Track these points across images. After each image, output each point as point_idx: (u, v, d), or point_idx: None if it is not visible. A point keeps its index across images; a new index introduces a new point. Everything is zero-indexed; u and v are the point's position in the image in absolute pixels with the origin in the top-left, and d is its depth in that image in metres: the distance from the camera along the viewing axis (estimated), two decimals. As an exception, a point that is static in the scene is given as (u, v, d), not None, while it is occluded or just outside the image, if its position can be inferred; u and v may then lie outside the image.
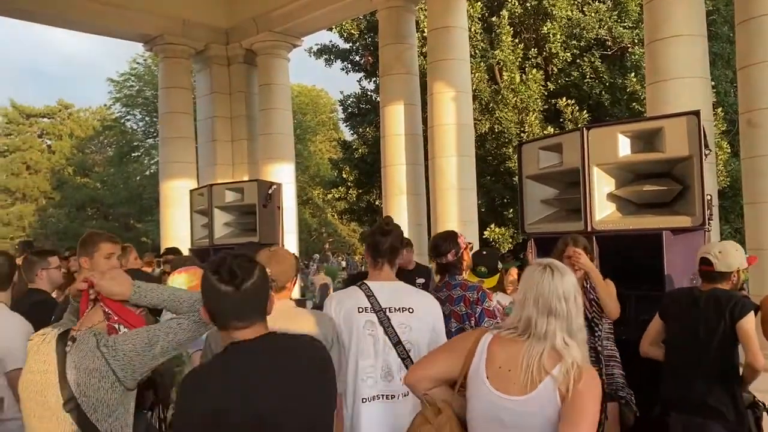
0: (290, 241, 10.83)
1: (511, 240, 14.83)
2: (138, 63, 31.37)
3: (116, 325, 2.06)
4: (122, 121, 33.54)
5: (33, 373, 2.00)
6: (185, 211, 8.40)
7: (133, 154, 33.26)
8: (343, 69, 19.58)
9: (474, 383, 1.95)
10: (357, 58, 19.22)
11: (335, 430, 2.47)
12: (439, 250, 3.54)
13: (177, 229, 11.49)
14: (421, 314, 2.68)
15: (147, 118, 31.97)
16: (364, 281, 2.78)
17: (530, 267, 2.04)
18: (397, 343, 2.62)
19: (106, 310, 2.06)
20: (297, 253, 12.36)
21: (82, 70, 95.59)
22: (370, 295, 2.69)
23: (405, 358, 2.62)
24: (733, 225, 13.83)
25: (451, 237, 3.71)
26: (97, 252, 3.21)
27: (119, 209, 31.46)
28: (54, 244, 28.42)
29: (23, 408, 2.04)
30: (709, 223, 4.05)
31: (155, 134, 29.22)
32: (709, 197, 4.05)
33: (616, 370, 3.72)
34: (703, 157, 3.95)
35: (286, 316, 2.42)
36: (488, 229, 14.61)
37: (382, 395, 2.62)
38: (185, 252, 7.29)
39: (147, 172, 32.07)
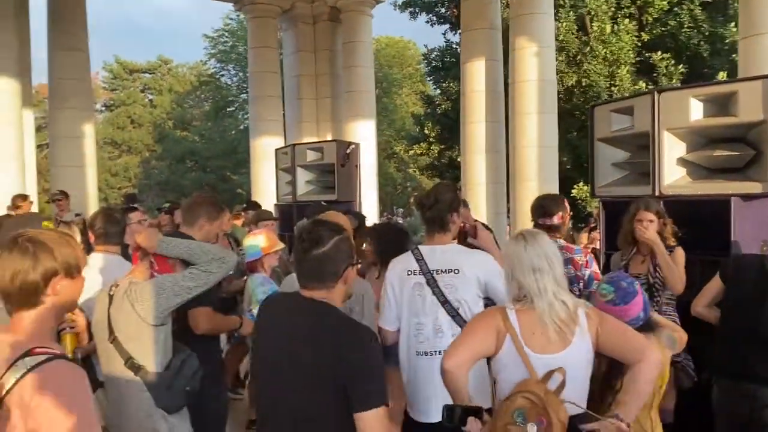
0: (370, 197, 11.14)
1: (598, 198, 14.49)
2: (231, 19, 32.24)
3: (155, 274, 2.61)
4: (217, 76, 34.77)
5: (97, 313, 2.58)
6: (273, 167, 8.85)
7: (228, 109, 34.52)
8: (428, 21, 19.40)
9: (510, 354, 2.15)
10: (442, 11, 18.96)
11: (388, 379, 2.77)
12: (545, 210, 3.66)
13: (266, 184, 12.02)
14: (468, 274, 2.84)
15: (240, 74, 32.97)
16: (418, 246, 3.00)
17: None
18: (444, 302, 2.82)
19: (152, 260, 2.63)
20: (377, 207, 12.73)
21: (177, 25, 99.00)
22: (419, 259, 2.90)
23: (454, 315, 2.83)
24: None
25: (559, 200, 3.83)
26: (218, 220, 3.36)
27: (216, 162, 32.87)
28: (157, 194, 30.38)
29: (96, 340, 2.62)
30: (783, 189, 3.95)
31: (248, 89, 30.17)
32: (786, 162, 3.93)
33: None
34: (780, 121, 3.83)
35: None
36: (576, 187, 14.33)
37: (433, 351, 2.85)
38: (266, 206, 7.75)
39: (241, 127, 33.21)
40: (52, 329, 1.65)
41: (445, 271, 2.85)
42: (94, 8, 11.33)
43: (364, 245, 3.97)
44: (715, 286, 3.41)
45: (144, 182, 34.02)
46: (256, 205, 7.65)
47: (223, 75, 34.52)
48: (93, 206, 10.14)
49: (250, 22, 13.34)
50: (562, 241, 3.52)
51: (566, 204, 3.66)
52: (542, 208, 3.60)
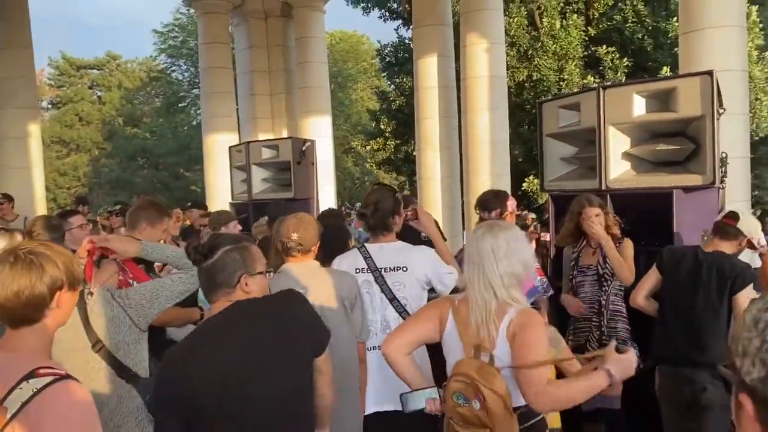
0: (328, 193, 11.14)
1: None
2: (181, 14, 31.66)
3: (130, 281, 2.57)
4: (168, 72, 34.09)
5: (62, 327, 2.47)
6: (227, 164, 8.75)
7: (179, 105, 33.91)
8: (380, 17, 19.44)
9: (450, 343, 2.22)
10: (395, 6, 19.01)
11: (360, 375, 2.83)
12: (485, 205, 3.77)
13: (220, 181, 11.88)
14: (415, 271, 2.93)
15: (192, 69, 32.41)
16: (365, 244, 3.07)
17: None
18: (392, 299, 2.91)
19: (125, 268, 2.57)
20: (335, 204, 12.74)
21: (124, 21, 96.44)
22: (367, 257, 2.97)
23: (402, 311, 2.92)
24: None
25: (500, 196, 3.93)
26: (159, 224, 3.33)
27: (168, 159, 32.24)
28: (107, 193, 29.64)
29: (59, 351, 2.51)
30: (721, 181, 4.14)
31: (200, 85, 29.69)
32: (723, 155, 4.12)
33: (620, 324, 3.83)
34: (716, 116, 4.01)
35: (310, 275, 2.76)
36: (527, 180, 14.62)
37: (380, 346, 2.93)
38: (220, 205, 7.66)
39: (194, 122, 32.69)
40: (49, 346, 1.60)
41: (393, 268, 2.93)
42: (38, 4, 10.98)
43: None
44: (652, 277, 3.53)
45: (94, 181, 33.13)
46: (200, 205, 7.54)
47: (174, 70, 33.91)
48: (41, 209, 9.85)
49: (200, 18, 13.12)
50: None
51: (510, 200, 3.77)
52: (484, 202, 3.73)
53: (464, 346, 2.14)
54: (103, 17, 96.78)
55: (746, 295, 3.10)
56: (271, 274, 2.30)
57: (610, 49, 14.27)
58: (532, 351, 2.01)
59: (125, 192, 28.03)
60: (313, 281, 2.73)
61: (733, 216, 3.41)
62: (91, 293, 2.44)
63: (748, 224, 3.38)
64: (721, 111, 4.14)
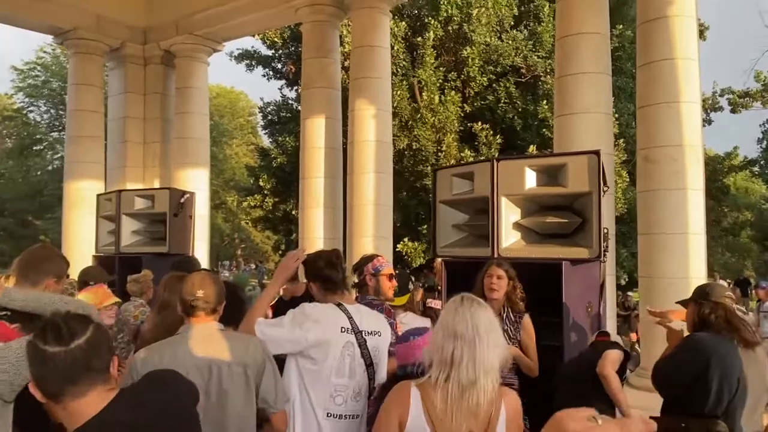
0: (201, 250, 10.58)
1: (423, 255, 15.14)
2: (45, 52, 29.81)
3: None
4: (24, 111, 31.66)
5: None
6: (91, 213, 8.05)
7: (34, 148, 31.44)
8: (264, 75, 19.42)
9: None
10: (279, 66, 19.10)
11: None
12: (355, 269, 3.75)
13: (80, 232, 10.95)
14: (385, 338, 2.84)
15: (52, 111, 30.44)
16: (341, 302, 2.80)
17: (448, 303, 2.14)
18: (369, 365, 2.72)
19: None
20: (207, 262, 12.11)
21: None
22: (350, 317, 2.74)
23: (371, 379, 2.73)
24: (629, 249, 14.74)
25: (364, 260, 3.84)
26: (65, 280, 2.89)
27: (16, 204, 29.60)
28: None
29: None
30: (604, 255, 4.34)
31: (61, 128, 27.80)
32: (605, 230, 4.33)
33: None
34: (602, 193, 4.23)
35: (210, 340, 2.44)
36: (401, 242, 14.86)
37: (350, 415, 2.70)
38: (79, 256, 6.99)
39: (49, 167, 30.42)
40: None
41: (372, 333, 2.77)
42: None
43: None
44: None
45: (-76, 225, 29.50)
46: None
47: (31, 111, 31.50)
48: None
49: (72, 57, 12.30)
50: (369, 297, 3.66)
51: (368, 266, 3.78)
52: (356, 265, 3.73)
53: None
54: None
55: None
56: None
57: (484, 126, 15.15)
58: None
59: (-39, 238, 25.13)
60: (214, 349, 2.40)
61: (605, 333, 3.64)
62: None
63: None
64: (605, 189, 4.39)
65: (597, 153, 4.25)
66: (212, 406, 2.33)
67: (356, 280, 3.80)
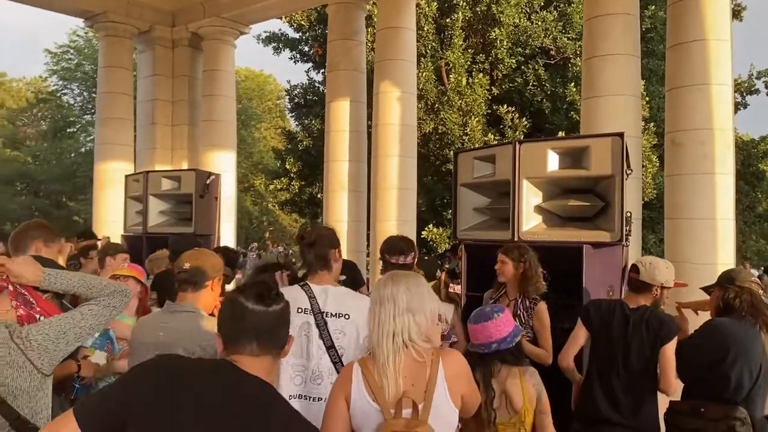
0: (227, 231, 10.73)
1: (448, 241, 15.11)
2: (78, 36, 30.21)
3: (38, 315, 2.11)
4: (59, 94, 32.22)
5: None
6: (120, 194, 8.20)
7: (68, 130, 32.00)
8: (291, 58, 19.43)
9: (361, 410, 2.05)
10: (306, 49, 19.09)
11: None
12: (400, 249, 3.66)
13: (110, 212, 11.19)
14: (357, 321, 2.70)
15: (85, 93, 30.88)
16: (307, 281, 2.81)
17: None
18: (330, 347, 2.66)
19: (30, 299, 2.11)
20: (234, 242, 12.27)
21: (19, 40, 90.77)
22: (311, 297, 2.73)
23: (336, 362, 2.67)
24: (658, 235, 14.51)
25: (411, 242, 3.84)
26: (54, 245, 2.98)
27: (51, 186, 30.19)
28: (-22, 219, 27.17)
29: None
30: (626, 239, 4.29)
31: (93, 110, 28.18)
32: (628, 214, 4.28)
33: None
34: (625, 176, 4.17)
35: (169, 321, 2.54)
36: (426, 229, 14.83)
37: (308, 396, 2.68)
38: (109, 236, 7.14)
39: (82, 150, 30.93)
40: None
41: (336, 315, 2.70)
42: None
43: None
44: (580, 336, 3.43)
45: (-37, 205, 30.31)
46: (90, 235, 6.96)
47: (65, 94, 32.04)
48: None
49: (102, 41, 12.48)
50: None
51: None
52: (396, 247, 3.73)
53: (382, 408, 2.00)
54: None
55: (671, 347, 3.14)
56: None
57: (510, 108, 14.97)
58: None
59: (-1, 219, 25.81)
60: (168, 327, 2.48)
61: (634, 269, 3.49)
62: None
63: (656, 273, 3.45)
64: (628, 172, 4.33)
65: (621, 135, 4.18)
66: None
67: (400, 261, 3.74)
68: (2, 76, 35.71)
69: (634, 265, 3.52)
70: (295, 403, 2.67)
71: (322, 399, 2.68)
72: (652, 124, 14.40)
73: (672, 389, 3.18)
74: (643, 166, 13.57)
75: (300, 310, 2.71)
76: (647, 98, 13.79)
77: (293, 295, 2.73)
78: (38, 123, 34.28)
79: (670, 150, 7.12)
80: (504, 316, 2.81)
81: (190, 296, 2.64)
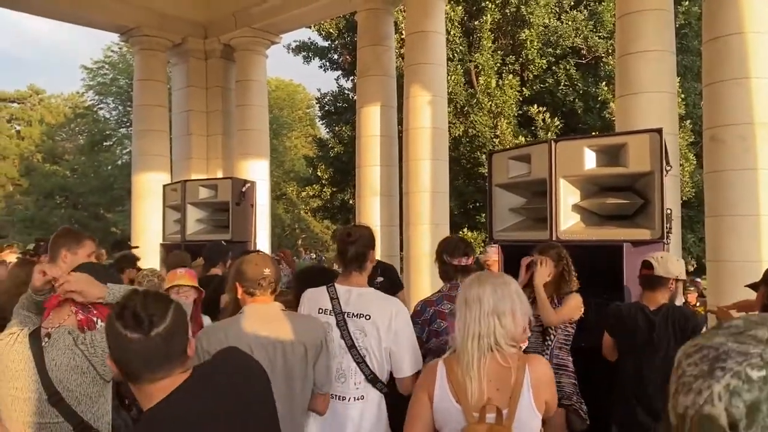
0: (262, 238, 10.84)
1: (483, 244, 15.01)
2: (113, 51, 30.96)
3: (95, 319, 2.18)
4: (95, 109, 33.02)
5: (10, 371, 2.08)
6: (157, 204, 8.37)
7: (105, 143, 32.75)
8: (321, 67, 19.61)
9: (444, 411, 2.04)
10: (335, 57, 19.25)
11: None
12: (464, 251, 3.68)
13: (148, 222, 11.41)
14: (378, 321, 2.70)
15: (120, 107, 31.54)
16: (334, 283, 2.84)
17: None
18: (351, 347, 2.69)
19: (89, 305, 2.18)
20: (269, 250, 12.40)
21: (56, 57, 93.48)
22: (333, 298, 2.76)
23: (360, 362, 2.69)
24: (697, 234, 14.22)
25: (469, 243, 3.86)
26: (81, 249, 3.07)
27: (89, 198, 30.93)
28: (19, 231, 27.93)
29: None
30: (667, 236, 4.21)
31: (128, 124, 28.83)
32: (668, 211, 4.20)
33: (564, 379, 3.69)
34: (664, 172, 4.10)
35: (274, 319, 2.51)
36: (461, 232, 14.78)
37: (333, 395, 2.71)
38: (147, 246, 7.26)
39: (119, 162, 31.61)
40: None
41: (357, 315, 2.72)
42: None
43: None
44: (606, 339, 3.49)
45: (6, 218, 31.22)
46: (123, 245, 7.09)
47: (101, 108, 32.82)
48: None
49: (137, 54, 12.77)
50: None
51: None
52: (458, 249, 3.69)
53: (464, 410, 1.99)
54: (32, 49, 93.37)
55: None
56: None
57: (541, 109, 14.85)
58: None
59: (40, 231, 26.46)
60: (278, 328, 2.47)
61: (647, 265, 3.45)
62: (48, 335, 2.08)
63: (670, 266, 3.41)
64: (668, 168, 4.26)
65: (659, 131, 4.12)
66: (277, 382, 2.40)
67: (462, 263, 3.73)
68: (41, 93, 36.75)
69: (645, 261, 3.50)
70: None
71: (346, 398, 2.72)
72: (688, 121, 14.14)
73: None
74: (680, 165, 13.34)
75: (321, 311, 2.76)
76: (683, 95, 13.54)
77: (316, 296, 2.81)
78: (76, 137, 35.19)
79: (708, 146, 6.96)
80: None
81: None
